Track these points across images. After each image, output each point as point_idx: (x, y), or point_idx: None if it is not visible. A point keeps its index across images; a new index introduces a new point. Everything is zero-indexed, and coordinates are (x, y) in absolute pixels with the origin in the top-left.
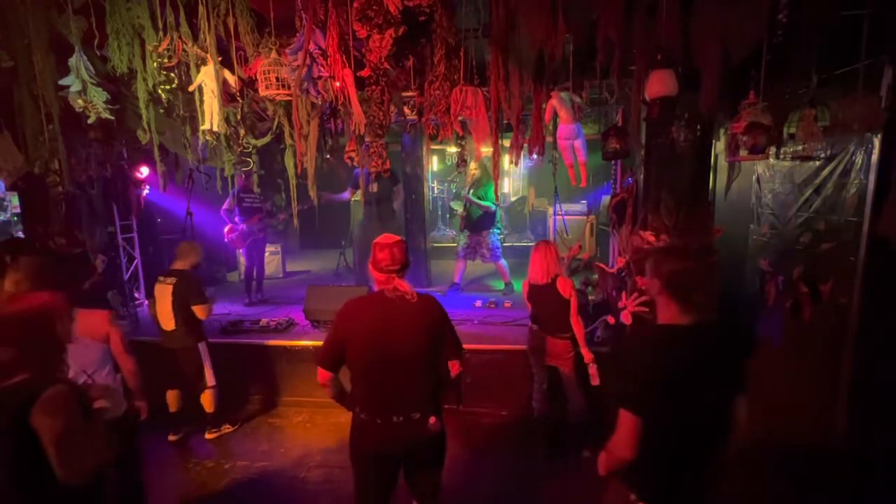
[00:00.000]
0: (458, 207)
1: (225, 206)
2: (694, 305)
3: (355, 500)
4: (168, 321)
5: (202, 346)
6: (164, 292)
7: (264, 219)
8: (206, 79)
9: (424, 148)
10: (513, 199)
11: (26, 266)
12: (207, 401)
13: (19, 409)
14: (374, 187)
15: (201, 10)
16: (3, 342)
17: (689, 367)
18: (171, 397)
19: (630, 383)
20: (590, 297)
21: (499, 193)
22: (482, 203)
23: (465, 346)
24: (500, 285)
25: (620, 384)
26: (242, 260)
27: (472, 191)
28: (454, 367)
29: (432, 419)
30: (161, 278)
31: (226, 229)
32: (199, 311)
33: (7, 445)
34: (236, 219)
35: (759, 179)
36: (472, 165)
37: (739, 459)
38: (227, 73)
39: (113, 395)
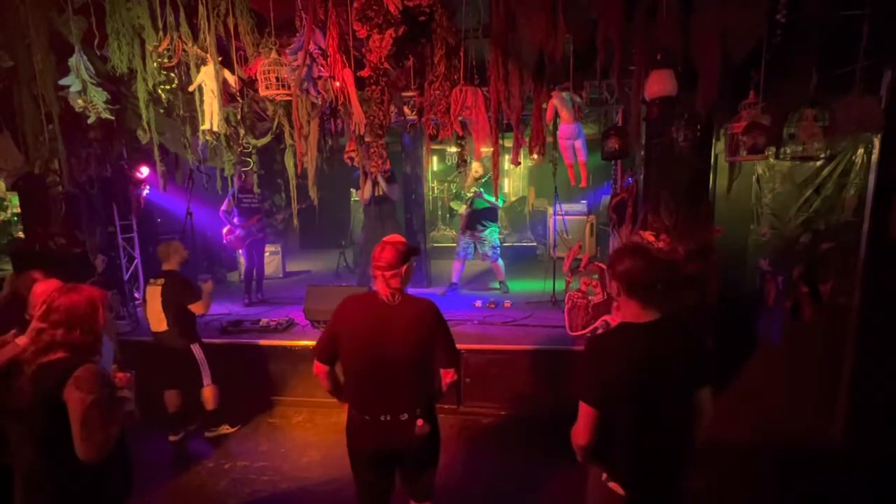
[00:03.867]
0: (457, 208)
1: (223, 207)
2: (653, 303)
3: (357, 498)
4: (159, 323)
5: (195, 348)
6: (154, 294)
7: (263, 219)
8: (206, 79)
9: (424, 148)
10: (512, 199)
11: None
12: (208, 398)
13: (54, 384)
14: (380, 189)
15: (201, 10)
16: (54, 324)
17: (647, 362)
18: (170, 397)
19: (588, 378)
20: (590, 297)
21: (499, 193)
22: (488, 197)
23: (465, 346)
24: (496, 284)
25: (581, 378)
26: (242, 260)
27: (478, 186)
28: (446, 376)
29: (419, 422)
30: (151, 280)
31: (224, 231)
32: (196, 308)
33: (38, 418)
34: (235, 220)
35: (759, 179)
36: (475, 165)
37: (739, 459)
38: (227, 73)
39: (133, 388)
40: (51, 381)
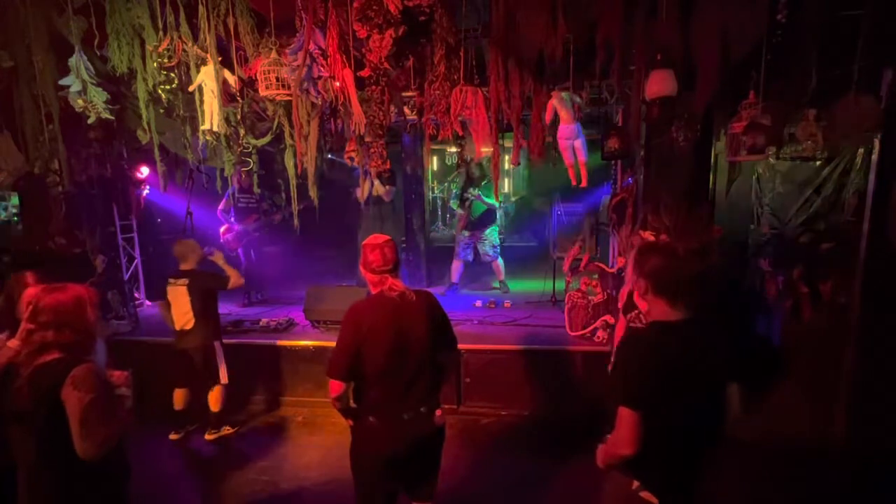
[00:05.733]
0: (456, 207)
1: (221, 206)
2: (682, 302)
3: None
4: (186, 321)
5: (217, 345)
6: (178, 294)
7: (260, 219)
8: (206, 79)
9: (424, 148)
10: (513, 199)
11: None
12: (215, 399)
13: (51, 384)
14: (381, 189)
15: (201, 10)
16: (44, 325)
17: (681, 362)
18: (178, 396)
19: (627, 381)
20: (590, 297)
21: (498, 193)
22: (487, 200)
23: (465, 346)
24: (496, 284)
25: (618, 382)
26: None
27: (476, 189)
28: (452, 354)
29: (438, 412)
30: (171, 280)
31: (221, 230)
32: (233, 283)
33: (38, 419)
34: (232, 219)
35: (759, 179)
36: (472, 165)
37: (739, 459)
38: (227, 73)
39: (130, 387)
40: (48, 382)
